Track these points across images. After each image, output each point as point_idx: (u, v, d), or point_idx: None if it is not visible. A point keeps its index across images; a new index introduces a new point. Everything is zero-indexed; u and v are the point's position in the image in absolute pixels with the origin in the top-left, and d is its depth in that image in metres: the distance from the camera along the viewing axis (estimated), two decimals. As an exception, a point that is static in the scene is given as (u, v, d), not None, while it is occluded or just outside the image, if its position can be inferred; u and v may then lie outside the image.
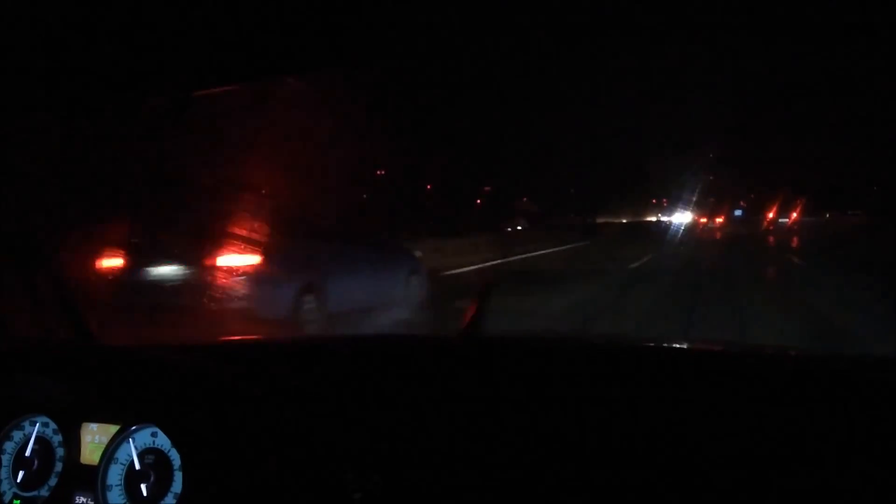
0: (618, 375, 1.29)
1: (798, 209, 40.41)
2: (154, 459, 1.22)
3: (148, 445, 1.24)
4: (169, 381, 1.34)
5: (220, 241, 5.07)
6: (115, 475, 1.24)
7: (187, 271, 5.20)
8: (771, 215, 41.24)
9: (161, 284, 5.18)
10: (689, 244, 21.72)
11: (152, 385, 1.33)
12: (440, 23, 1.29)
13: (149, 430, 1.24)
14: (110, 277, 5.12)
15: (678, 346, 1.73)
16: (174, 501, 1.17)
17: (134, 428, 1.25)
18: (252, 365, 1.47)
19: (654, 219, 49.76)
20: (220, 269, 5.07)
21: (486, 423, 1.15)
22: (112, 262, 5.16)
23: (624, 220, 40.81)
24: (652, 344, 1.72)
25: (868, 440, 1.00)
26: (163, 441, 1.22)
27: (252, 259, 5.13)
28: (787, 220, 39.22)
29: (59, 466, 1.28)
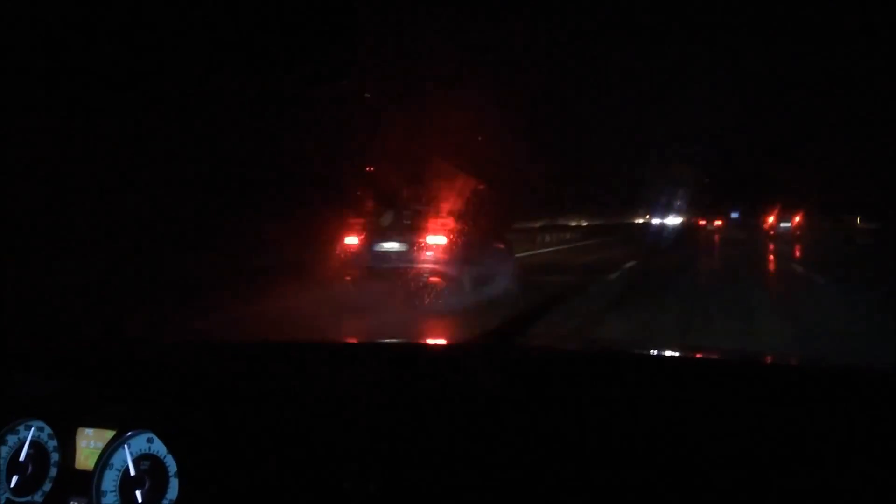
0: (619, 380, 1.29)
1: (801, 213, 39.24)
2: (149, 465, 1.21)
3: (143, 451, 1.22)
4: (165, 385, 1.33)
5: (424, 227, 9.01)
6: (110, 481, 1.23)
7: (405, 245, 9.00)
8: (771, 219, 40.50)
9: (390, 253, 9.04)
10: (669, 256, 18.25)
11: (148, 390, 1.31)
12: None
13: (145, 436, 1.23)
14: (361, 248, 9.20)
15: (675, 353, 1.72)
16: None
17: (130, 433, 1.24)
18: (250, 367, 1.46)
19: (641, 221, 48.03)
20: (424, 244, 8.92)
21: (485, 425, 1.14)
22: (358, 238, 9.30)
23: (584, 223, 35.02)
24: (649, 350, 1.72)
25: (866, 443, 1.01)
26: (158, 447, 1.21)
27: (441, 239, 8.88)
28: (789, 224, 37.22)
29: (53, 471, 1.26)
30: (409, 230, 9.04)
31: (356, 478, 1.07)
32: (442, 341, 1.51)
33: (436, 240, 8.87)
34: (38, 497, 1.25)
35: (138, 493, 1.18)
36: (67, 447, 1.26)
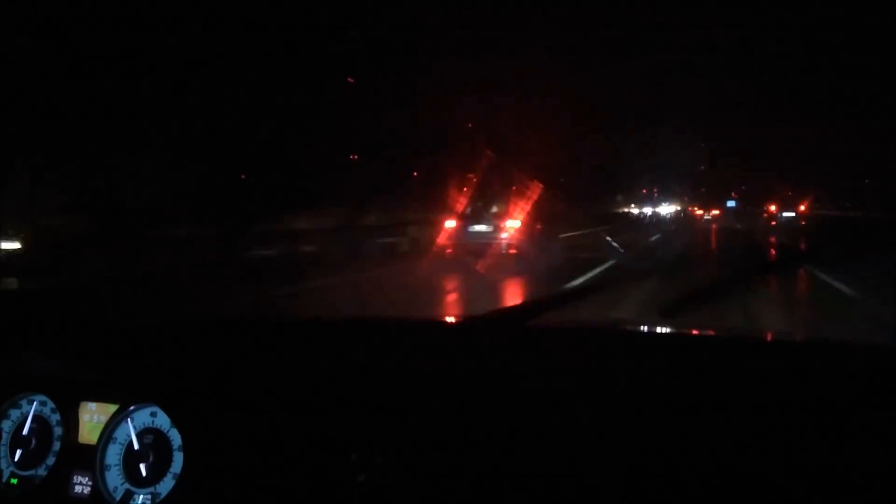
0: (633, 359, 1.28)
1: (807, 202, 38.10)
2: (153, 439, 1.19)
3: (147, 425, 1.21)
4: (169, 359, 1.32)
5: (504, 215, 13.36)
6: (113, 455, 1.21)
7: (490, 228, 13.29)
8: (773, 208, 39.78)
9: (479, 233, 13.28)
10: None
11: (152, 363, 1.30)
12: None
13: (148, 410, 1.22)
14: (458, 230, 13.47)
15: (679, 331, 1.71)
16: (173, 482, 1.15)
17: (133, 407, 1.23)
18: (254, 343, 1.44)
19: (628, 210, 46.14)
20: (504, 227, 13.13)
21: (491, 405, 1.13)
22: (455, 223, 13.69)
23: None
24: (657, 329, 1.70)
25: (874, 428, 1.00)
26: (162, 421, 1.20)
27: (515, 224, 13.13)
28: (793, 213, 35.99)
29: (56, 445, 1.25)
30: (494, 217, 13.40)
31: (363, 450, 1.05)
32: (450, 318, 1.50)
33: (512, 224, 13.13)
34: (41, 471, 1.24)
35: (142, 467, 1.17)
36: (70, 421, 1.25)
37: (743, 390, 1.13)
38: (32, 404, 1.28)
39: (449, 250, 13.11)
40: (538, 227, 13.73)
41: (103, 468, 1.21)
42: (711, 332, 1.61)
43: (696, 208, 48.14)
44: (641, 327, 1.76)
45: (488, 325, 1.37)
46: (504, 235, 12.95)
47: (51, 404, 1.28)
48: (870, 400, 1.07)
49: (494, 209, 13.61)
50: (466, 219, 13.58)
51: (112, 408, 1.23)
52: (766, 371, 1.20)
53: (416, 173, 21.31)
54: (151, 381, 1.25)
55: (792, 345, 1.54)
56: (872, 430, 1.00)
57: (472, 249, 12.52)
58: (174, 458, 1.17)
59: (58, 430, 1.26)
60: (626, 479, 0.98)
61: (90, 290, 8.07)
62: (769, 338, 1.68)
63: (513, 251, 12.70)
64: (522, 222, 13.07)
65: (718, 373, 1.21)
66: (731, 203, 45.67)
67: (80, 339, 1.46)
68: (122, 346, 1.43)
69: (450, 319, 1.48)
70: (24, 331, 1.48)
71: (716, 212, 45.11)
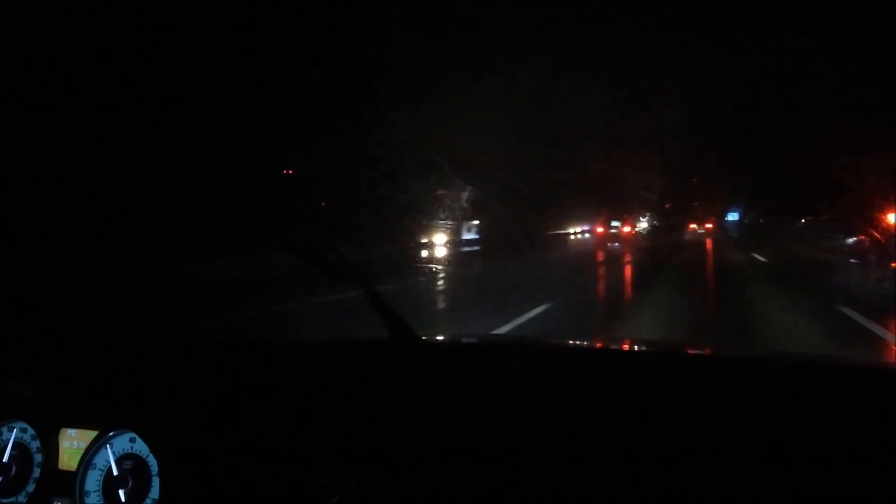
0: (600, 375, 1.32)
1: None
2: (132, 465, 1.22)
3: (126, 451, 1.24)
4: (145, 386, 1.35)
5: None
6: (93, 481, 1.24)
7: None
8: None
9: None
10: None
11: (129, 391, 1.33)
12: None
13: (127, 436, 1.25)
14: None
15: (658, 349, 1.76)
16: None
17: (112, 434, 1.25)
18: (229, 368, 1.47)
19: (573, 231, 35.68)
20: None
21: (463, 425, 1.16)
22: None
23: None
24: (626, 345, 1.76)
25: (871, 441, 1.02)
26: (141, 447, 1.23)
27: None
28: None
29: (37, 472, 1.28)
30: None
31: (336, 474, 1.09)
32: (420, 341, 1.52)
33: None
34: (21, 498, 1.26)
35: (121, 493, 1.20)
36: (50, 448, 1.28)
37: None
38: (13, 431, 1.31)
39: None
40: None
41: (83, 494, 1.23)
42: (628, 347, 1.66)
43: (689, 223, 47.85)
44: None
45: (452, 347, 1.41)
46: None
47: (31, 431, 1.31)
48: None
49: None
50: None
51: (91, 434, 1.26)
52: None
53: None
54: (129, 408, 1.28)
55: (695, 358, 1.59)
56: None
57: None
58: (153, 483, 1.20)
59: (38, 457, 1.29)
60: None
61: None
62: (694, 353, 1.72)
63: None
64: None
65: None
66: (732, 216, 44.85)
67: (60, 365, 1.48)
68: (101, 372, 1.45)
69: (416, 340, 1.50)
70: (3, 357, 1.50)
71: (709, 226, 44.94)
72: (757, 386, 1.24)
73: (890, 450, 1.01)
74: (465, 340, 1.73)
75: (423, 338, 1.52)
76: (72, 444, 1.27)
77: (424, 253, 15.58)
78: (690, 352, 1.71)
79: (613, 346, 1.86)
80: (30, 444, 1.30)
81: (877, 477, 0.96)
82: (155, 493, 1.19)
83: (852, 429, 1.06)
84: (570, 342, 1.98)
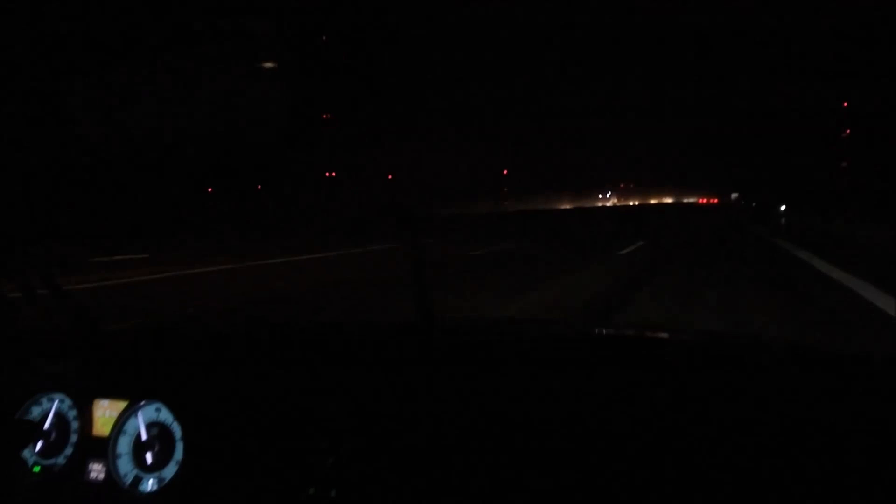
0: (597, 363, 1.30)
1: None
2: (158, 431, 1.36)
3: (153, 419, 1.38)
4: (170, 362, 1.49)
5: None
6: (124, 445, 1.39)
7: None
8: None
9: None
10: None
11: (156, 366, 1.47)
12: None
13: (154, 406, 1.39)
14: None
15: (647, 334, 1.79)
16: (176, 467, 1.32)
17: (141, 403, 1.40)
18: (252, 343, 1.61)
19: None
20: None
21: (452, 431, 1.17)
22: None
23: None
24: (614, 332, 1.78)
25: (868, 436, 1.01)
26: (166, 415, 1.37)
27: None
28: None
29: (74, 438, 1.42)
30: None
31: (329, 443, 1.19)
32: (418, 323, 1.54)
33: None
34: (61, 460, 1.41)
35: (149, 455, 1.35)
36: (86, 417, 1.42)
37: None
38: (53, 402, 1.46)
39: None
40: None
41: (115, 457, 1.38)
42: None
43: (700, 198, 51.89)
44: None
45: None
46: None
47: (68, 402, 1.46)
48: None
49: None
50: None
51: (122, 404, 1.41)
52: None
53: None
54: (156, 382, 1.42)
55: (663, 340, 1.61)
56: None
57: None
58: (176, 447, 1.34)
59: (75, 425, 1.44)
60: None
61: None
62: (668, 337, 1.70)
63: None
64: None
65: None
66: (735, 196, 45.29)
67: (94, 346, 1.62)
68: (130, 351, 1.59)
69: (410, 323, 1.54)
70: (43, 337, 1.65)
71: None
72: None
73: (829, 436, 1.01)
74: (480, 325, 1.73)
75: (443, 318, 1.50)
76: (104, 413, 1.42)
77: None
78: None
79: (611, 332, 1.85)
80: (67, 413, 1.45)
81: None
82: (178, 455, 1.33)
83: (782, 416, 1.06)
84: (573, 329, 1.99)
